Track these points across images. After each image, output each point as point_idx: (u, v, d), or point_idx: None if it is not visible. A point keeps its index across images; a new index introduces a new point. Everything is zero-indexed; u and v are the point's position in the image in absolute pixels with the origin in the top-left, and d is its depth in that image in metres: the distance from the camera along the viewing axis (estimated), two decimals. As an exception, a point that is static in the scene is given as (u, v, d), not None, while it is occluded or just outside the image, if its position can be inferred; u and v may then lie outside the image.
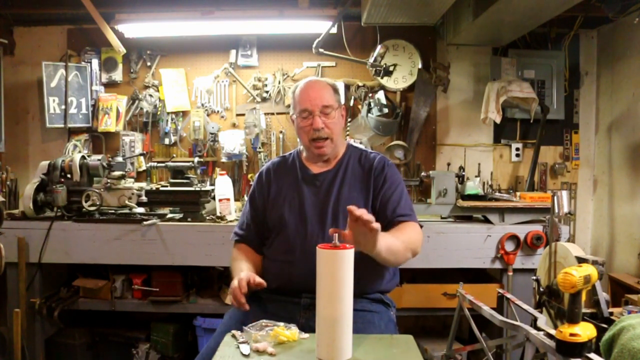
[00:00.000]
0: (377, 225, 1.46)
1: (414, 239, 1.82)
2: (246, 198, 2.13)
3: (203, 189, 3.05)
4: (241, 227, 2.05)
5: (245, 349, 1.39)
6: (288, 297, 1.83)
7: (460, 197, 3.06)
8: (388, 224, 1.84)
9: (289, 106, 3.04)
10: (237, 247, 2.04)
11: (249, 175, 3.55)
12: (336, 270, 1.31)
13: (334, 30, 3.32)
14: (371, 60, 3.35)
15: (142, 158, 3.60)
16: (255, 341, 1.42)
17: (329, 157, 1.97)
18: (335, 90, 1.95)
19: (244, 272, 1.75)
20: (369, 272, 1.84)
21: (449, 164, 3.36)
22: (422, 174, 3.25)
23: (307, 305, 1.79)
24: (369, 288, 1.84)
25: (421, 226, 1.93)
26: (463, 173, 3.14)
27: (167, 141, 3.61)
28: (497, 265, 2.95)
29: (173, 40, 3.53)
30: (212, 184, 3.21)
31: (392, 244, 1.68)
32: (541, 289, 2.10)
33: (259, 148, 3.54)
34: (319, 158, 1.96)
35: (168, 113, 3.61)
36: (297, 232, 1.88)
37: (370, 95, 3.47)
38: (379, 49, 3.40)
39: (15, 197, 3.24)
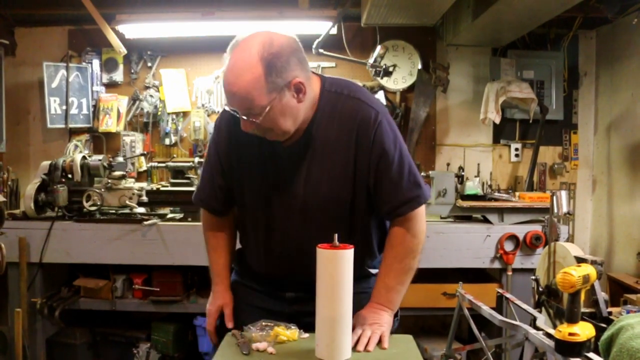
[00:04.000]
0: (385, 345, 1.42)
1: (414, 244, 1.53)
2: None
3: (203, 189, 3.05)
4: (204, 190, 1.66)
5: (245, 348, 1.40)
6: (270, 288, 1.64)
7: (460, 197, 3.07)
8: (392, 219, 1.55)
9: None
10: (208, 222, 1.72)
11: (249, 176, 3.55)
12: (336, 270, 1.32)
13: (334, 30, 3.32)
14: (371, 60, 3.35)
15: (142, 158, 3.60)
16: (255, 341, 1.43)
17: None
18: (270, 74, 1.33)
19: (221, 298, 1.68)
20: (360, 250, 1.44)
21: (448, 164, 3.36)
22: (422, 174, 3.25)
23: (293, 299, 1.61)
24: (362, 269, 1.59)
25: (429, 188, 1.65)
26: (462, 173, 3.15)
27: (167, 141, 3.62)
28: (497, 265, 2.96)
29: (173, 40, 3.54)
30: (213, 184, 3.20)
31: (399, 290, 1.54)
32: (540, 289, 2.11)
33: (259, 148, 3.53)
34: None
35: (168, 113, 3.61)
36: (259, 221, 1.57)
37: (370, 95, 3.48)
38: (378, 49, 3.40)
39: (17, 197, 3.25)
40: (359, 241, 1.46)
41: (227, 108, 1.43)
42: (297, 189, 1.49)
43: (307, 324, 1.49)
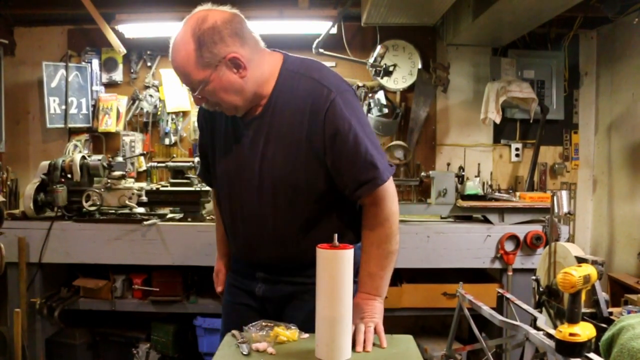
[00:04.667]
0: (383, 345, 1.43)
1: (387, 227, 1.50)
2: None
3: (203, 189, 3.06)
4: (200, 167, 1.80)
5: (245, 349, 1.39)
6: (244, 272, 1.67)
7: (460, 197, 3.07)
8: (355, 201, 1.53)
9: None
10: (213, 195, 1.85)
11: (249, 176, 3.55)
12: (336, 271, 1.31)
13: (334, 30, 3.32)
14: (371, 60, 3.35)
15: (142, 158, 3.60)
16: (255, 341, 1.42)
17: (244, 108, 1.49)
18: (200, 49, 1.37)
19: (217, 265, 1.87)
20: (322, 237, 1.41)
21: (448, 164, 3.36)
22: (422, 174, 3.26)
23: (262, 297, 1.63)
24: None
25: (393, 168, 1.52)
26: (463, 173, 3.15)
27: (167, 141, 3.61)
28: (497, 265, 2.95)
29: (173, 40, 3.53)
30: (212, 184, 3.21)
31: (382, 275, 1.51)
32: (541, 289, 2.11)
33: (259, 148, 3.53)
34: None
35: (168, 113, 3.61)
36: (226, 199, 1.61)
37: (370, 95, 3.48)
38: (378, 49, 3.40)
39: (16, 197, 3.25)
40: (321, 227, 1.49)
41: None
42: (254, 166, 1.50)
43: (277, 313, 1.60)
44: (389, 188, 1.51)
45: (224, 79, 1.41)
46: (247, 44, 1.43)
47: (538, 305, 2.09)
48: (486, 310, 2.00)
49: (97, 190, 2.95)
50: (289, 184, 1.48)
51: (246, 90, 1.44)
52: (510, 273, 2.93)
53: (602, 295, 1.82)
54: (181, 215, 3.07)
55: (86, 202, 2.93)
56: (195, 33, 1.37)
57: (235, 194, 1.56)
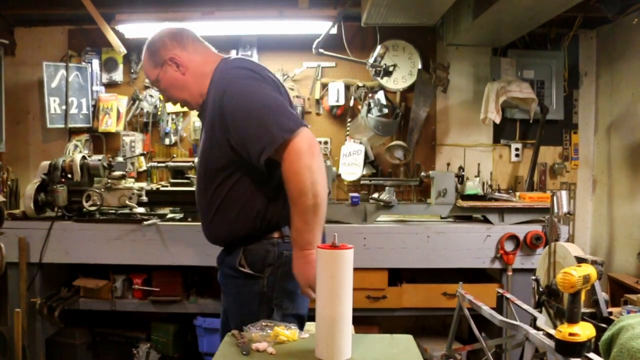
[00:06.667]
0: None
1: (301, 181, 1.53)
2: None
3: (203, 189, 3.06)
4: None
5: (245, 349, 1.39)
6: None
7: (460, 197, 3.07)
8: (263, 166, 1.61)
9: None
10: None
11: (249, 176, 3.55)
12: (336, 270, 1.32)
13: (334, 30, 3.32)
14: (371, 60, 3.35)
15: (142, 158, 3.60)
16: (255, 341, 1.42)
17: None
18: (151, 55, 1.78)
19: None
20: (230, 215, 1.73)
21: (448, 164, 3.36)
22: (422, 174, 3.26)
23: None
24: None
25: (300, 126, 1.56)
26: (463, 173, 3.15)
27: (167, 141, 3.62)
28: (497, 265, 2.96)
29: (173, 40, 3.53)
30: (212, 184, 3.21)
31: (309, 229, 1.57)
32: (540, 289, 2.11)
33: (259, 148, 3.53)
34: None
35: (168, 113, 3.61)
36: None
37: (370, 95, 3.48)
38: (378, 49, 3.40)
39: (16, 197, 3.25)
40: (240, 205, 1.68)
41: None
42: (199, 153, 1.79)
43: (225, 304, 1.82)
44: (295, 144, 1.54)
45: (169, 76, 1.76)
46: (187, 49, 1.75)
47: (538, 305, 2.09)
48: (486, 310, 2.00)
49: (97, 190, 2.95)
50: (206, 165, 1.72)
51: (190, 86, 1.75)
52: (510, 273, 2.93)
53: (602, 295, 1.82)
54: (181, 215, 3.07)
55: (86, 202, 2.94)
56: (147, 45, 1.79)
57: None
